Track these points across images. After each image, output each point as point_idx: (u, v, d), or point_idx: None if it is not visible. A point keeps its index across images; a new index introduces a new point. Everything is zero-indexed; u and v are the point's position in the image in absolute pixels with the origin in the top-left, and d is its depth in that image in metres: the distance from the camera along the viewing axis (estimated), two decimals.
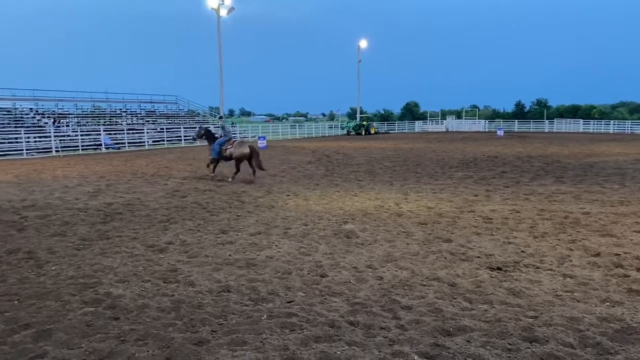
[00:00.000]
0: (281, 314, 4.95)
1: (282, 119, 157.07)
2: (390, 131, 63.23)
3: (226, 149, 15.46)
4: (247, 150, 15.28)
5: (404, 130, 64.60)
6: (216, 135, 16.60)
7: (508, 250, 7.30)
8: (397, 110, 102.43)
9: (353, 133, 53.35)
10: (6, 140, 29.01)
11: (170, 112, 49.27)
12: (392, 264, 6.64)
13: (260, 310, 5.07)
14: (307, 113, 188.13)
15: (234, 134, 43.05)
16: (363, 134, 52.53)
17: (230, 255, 7.13)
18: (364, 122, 55.47)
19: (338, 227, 8.80)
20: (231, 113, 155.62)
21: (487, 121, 68.28)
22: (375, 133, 55.37)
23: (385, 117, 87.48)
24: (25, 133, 29.20)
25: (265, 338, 4.42)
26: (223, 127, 16.10)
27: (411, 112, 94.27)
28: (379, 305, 5.20)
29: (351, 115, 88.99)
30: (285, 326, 4.66)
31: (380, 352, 4.15)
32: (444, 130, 64.26)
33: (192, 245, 7.66)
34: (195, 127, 40.14)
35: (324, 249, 7.40)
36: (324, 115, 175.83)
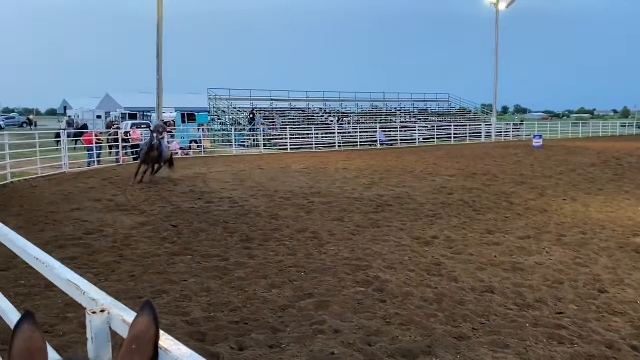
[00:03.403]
0: (549, 325, 4.61)
1: (563, 116, 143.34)
2: None
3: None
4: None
5: None
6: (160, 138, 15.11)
7: None
8: None
9: None
10: (300, 136, 33.72)
11: (441, 111, 49.93)
12: None
13: (525, 317, 4.82)
14: (594, 110, 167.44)
15: (499, 132, 41.13)
16: None
17: (495, 256, 6.93)
18: None
19: (625, 240, 7.69)
20: (505, 110, 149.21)
21: None
22: None
23: None
24: (315, 130, 33.46)
25: (530, 345, 4.19)
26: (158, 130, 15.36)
27: None
28: None
29: None
30: (552, 337, 4.34)
31: None
32: None
33: (456, 242, 7.71)
34: (465, 125, 39.93)
35: (605, 262, 6.58)
36: (615, 112, 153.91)
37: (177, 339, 3.91)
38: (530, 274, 6.12)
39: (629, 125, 52.33)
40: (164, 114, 27.22)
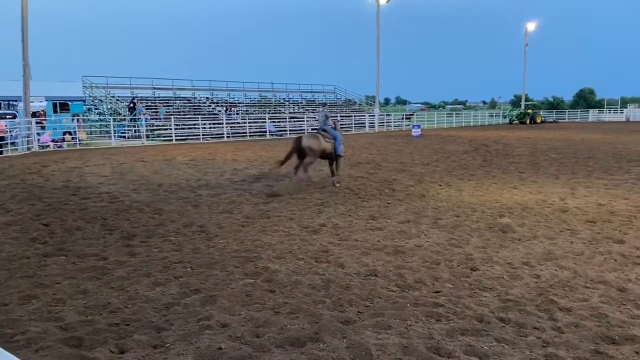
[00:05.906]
0: (427, 303, 4.90)
1: (439, 107, 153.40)
2: (559, 120, 58.21)
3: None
4: None
5: (576, 120, 58.99)
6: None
7: None
8: (568, 97, 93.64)
9: (516, 122, 50.21)
10: (186, 127, 32.62)
11: (328, 101, 51.02)
12: (552, 263, 6.16)
13: (406, 297, 5.08)
14: (466, 101, 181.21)
15: (381, 122, 42.96)
16: (527, 123, 49.12)
17: (378, 241, 7.22)
18: (529, 111, 51.80)
19: (493, 221, 8.40)
20: (387, 101, 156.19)
21: None
22: (542, 122, 51.42)
23: (554, 105, 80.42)
24: (202, 120, 32.54)
25: (410, 325, 4.42)
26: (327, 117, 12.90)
27: (585, 100, 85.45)
28: (534, 304, 4.87)
29: (515, 103, 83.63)
30: (431, 315, 4.62)
31: (531, 352, 3.91)
32: (624, 120, 57.09)
33: (343, 229, 7.91)
34: (350, 116, 41.13)
35: (476, 242, 7.13)
36: (484, 103, 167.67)
37: (49, 346, 3.58)
38: (410, 256, 6.45)
39: (495, 115, 57.38)
40: (32, 104, 24.89)
